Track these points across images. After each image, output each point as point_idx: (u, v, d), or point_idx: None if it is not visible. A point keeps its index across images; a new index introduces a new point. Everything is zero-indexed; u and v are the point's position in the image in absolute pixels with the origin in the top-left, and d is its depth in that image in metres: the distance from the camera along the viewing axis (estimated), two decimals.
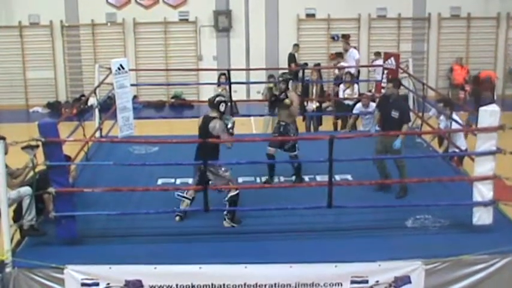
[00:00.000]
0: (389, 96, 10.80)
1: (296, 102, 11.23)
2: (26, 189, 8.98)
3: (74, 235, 9.02)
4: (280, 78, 11.38)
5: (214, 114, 9.71)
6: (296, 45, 23.22)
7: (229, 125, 9.89)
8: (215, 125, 9.53)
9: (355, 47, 22.38)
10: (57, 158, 8.78)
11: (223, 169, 9.58)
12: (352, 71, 21.31)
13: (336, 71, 21.21)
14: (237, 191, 9.57)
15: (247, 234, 9.35)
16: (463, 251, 8.60)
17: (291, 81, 11.42)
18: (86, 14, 23.76)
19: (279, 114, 11.38)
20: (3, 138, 8.61)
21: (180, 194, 9.79)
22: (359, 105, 15.62)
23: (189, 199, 9.78)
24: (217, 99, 9.79)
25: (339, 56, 22.04)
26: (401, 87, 11.93)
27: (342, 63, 20.78)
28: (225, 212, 9.55)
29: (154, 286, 8.48)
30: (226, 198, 9.55)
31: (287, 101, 11.03)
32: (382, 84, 13.61)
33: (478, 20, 24.12)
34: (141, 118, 16.00)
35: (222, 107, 9.71)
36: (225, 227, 9.54)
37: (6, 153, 8.56)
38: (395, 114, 10.51)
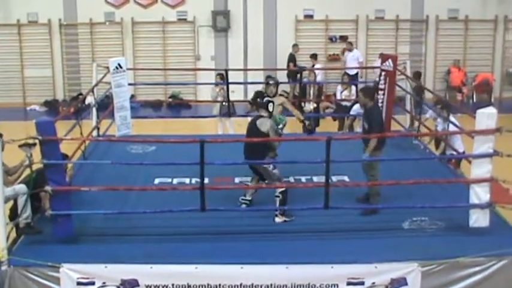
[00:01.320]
0: (365, 106, 10.54)
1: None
2: (21, 187, 8.98)
3: (70, 234, 9.01)
4: (271, 82, 11.35)
5: (263, 113, 10.11)
6: (295, 46, 23.25)
7: (280, 126, 10.54)
8: (263, 122, 9.94)
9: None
10: (54, 157, 8.77)
11: (271, 167, 9.90)
12: (353, 72, 21.49)
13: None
14: (284, 187, 9.87)
15: (243, 234, 9.34)
16: (459, 253, 8.60)
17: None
18: (85, 12, 23.78)
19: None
20: (0, 136, 8.62)
21: (243, 198, 10.16)
22: (356, 106, 15.60)
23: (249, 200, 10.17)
24: (266, 99, 10.37)
25: (313, 57, 22.16)
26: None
27: (317, 65, 20.81)
28: (276, 208, 9.79)
29: (150, 286, 8.46)
30: (276, 194, 9.78)
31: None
32: (380, 86, 13.61)
33: (475, 23, 24.17)
34: (138, 117, 15.98)
35: (270, 107, 10.15)
36: (276, 223, 9.70)
37: (2, 150, 8.56)
38: (365, 124, 10.30)
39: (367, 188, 10.27)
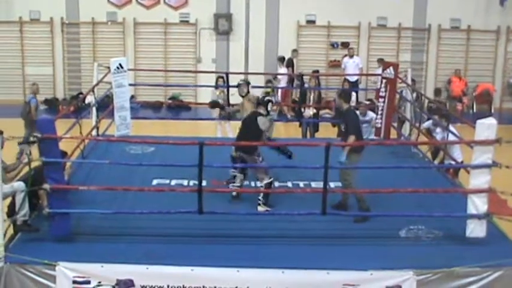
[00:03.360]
0: (340, 109, 10.67)
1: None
2: (20, 184, 8.98)
3: (68, 232, 9.02)
4: (241, 82, 11.69)
5: (261, 110, 10.59)
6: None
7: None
8: (265, 121, 10.40)
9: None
10: (54, 155, 8.78)
11: (260, 159, 10.26)
12: (353, 79, 21.57)
13: (279, 77, 21.45)
14: (271, 178, 10.27)
15: (240, 238, 9.35)
16: (455, 262, 8.60)
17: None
18: (87, 12, 23.78)
19: None
20: (1, 133, 8.63)
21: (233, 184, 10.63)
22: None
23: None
24: (267, 98, 10.83)
25: (280, 60, 22.23)
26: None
27: (283, 69, 20.81)
28: (259, 197, 10.06)
29: (145, 286, 8.46)
30: (262, 184, 10.23)
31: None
32: (381, 94, 13.63)
33: (477, 33, 24.17)
34: (138, 118, 15.99)
35: (269, 107, 10.66)
36: (258, 211, 10.01)
37: (1, 147, 8.57)
38: (344, 127, 10.35)
39: (341, 195, 10.35)
